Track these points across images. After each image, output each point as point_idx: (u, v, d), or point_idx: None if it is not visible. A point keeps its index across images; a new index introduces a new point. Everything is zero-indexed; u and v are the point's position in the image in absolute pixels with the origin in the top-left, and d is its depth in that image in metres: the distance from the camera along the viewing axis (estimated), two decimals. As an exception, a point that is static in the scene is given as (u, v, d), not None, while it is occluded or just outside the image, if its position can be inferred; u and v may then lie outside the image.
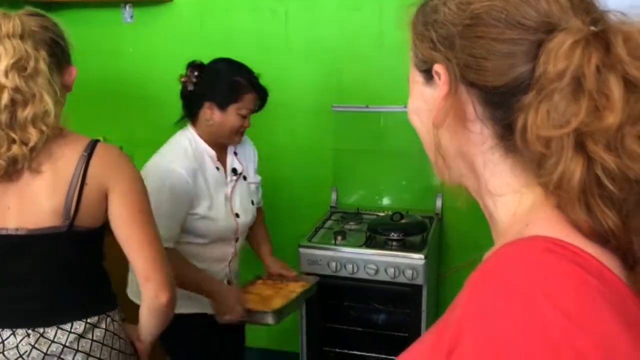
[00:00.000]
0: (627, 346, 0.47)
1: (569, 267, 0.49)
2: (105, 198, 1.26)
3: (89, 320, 1.29)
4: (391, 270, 2.10)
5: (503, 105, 0.56)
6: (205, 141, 1.84)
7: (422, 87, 0.64)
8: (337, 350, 2.36)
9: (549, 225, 0.54)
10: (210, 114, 1.80)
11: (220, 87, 1.81)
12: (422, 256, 2.10)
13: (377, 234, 2.23)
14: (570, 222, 0.53)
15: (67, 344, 1.26)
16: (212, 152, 1.85)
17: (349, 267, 2.14)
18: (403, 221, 2.27)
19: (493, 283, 0.50)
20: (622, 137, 0.49)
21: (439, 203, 2.52)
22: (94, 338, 1.29)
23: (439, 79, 0.60)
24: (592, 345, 0.45)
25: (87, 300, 1.32)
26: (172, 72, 1.90)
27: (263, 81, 1.87)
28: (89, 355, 1.28)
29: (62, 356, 1.25)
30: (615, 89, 0.49)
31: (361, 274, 2.14)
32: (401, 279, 2.11)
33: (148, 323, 1.36)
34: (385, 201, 2.60)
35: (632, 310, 0.50)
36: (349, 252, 2.16)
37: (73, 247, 1.26)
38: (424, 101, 0.64)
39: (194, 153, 1.80)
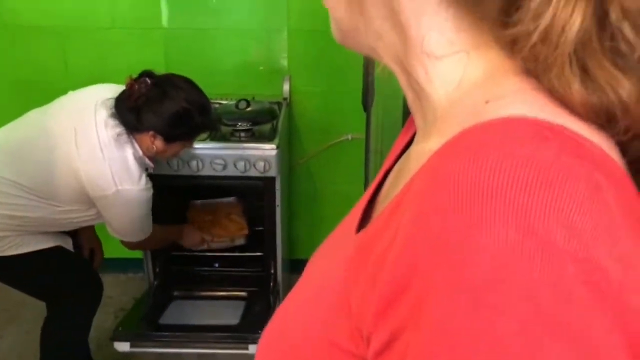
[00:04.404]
0: None
1: (575, 163, 0.31)
2: None
3: None
4: (241, 164, 1.89)
5: None
6: (146, 157, 1.65)
7: None
8: (186, 253, 2.16)
9: (527, 100, 0.35)
10: (152, 142, 1.60)
11: (172, 124, 1.58)
12: (273, 146, 1.91)
13: (221, 124, 1.97)
14: (551, 95, 0.35)
15: None
16: (151, 165, 1.70)
17: (193, 164, 1.90)
18: (250, 109, 2.03)
19: (461, 191, 0.30)
20: None
21: (286, 87, 2.31)
22: None
23: None
24: (617, 280, 0.29)
25: None
26: None
27: None
28: None
29: None
30: None
31: (207, 171, 1.91)
32: (252, 172, 1.91)
33: None
34: (227, 87, 2.31)
35: None
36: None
37: None
38: None
39: (140, 166, 1.63)
